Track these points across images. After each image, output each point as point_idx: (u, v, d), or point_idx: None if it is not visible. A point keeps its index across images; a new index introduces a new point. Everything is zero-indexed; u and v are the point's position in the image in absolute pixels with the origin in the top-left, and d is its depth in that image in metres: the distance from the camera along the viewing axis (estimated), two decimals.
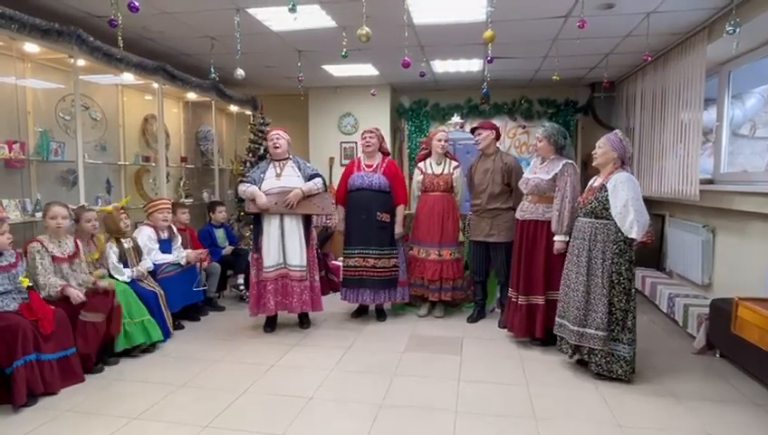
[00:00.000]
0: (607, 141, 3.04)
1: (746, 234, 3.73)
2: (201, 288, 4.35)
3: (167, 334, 3.75)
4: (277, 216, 3.83)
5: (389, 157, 4.36)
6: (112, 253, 3.66)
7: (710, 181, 4.33)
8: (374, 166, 4.21)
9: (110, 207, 3.86)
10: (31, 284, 2.99)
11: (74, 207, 3.56)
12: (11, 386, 2.65)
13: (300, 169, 3.92)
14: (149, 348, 3.55)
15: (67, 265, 3.21)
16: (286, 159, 3.96)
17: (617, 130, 3.11)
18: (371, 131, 4.24)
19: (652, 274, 5.03)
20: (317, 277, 4.01)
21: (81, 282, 3.22)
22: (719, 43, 3.86)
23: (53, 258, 3.14)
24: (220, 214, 5.08)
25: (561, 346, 3.23)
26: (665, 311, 4.31)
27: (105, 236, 3.76)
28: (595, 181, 3.12)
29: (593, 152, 3.13)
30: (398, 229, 4.24)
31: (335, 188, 4.77)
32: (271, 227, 3.84)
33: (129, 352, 3.43)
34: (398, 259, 4.24)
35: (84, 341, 3.10)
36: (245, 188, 3.86)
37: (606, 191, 2.95)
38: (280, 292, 3.87)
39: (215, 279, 4.66)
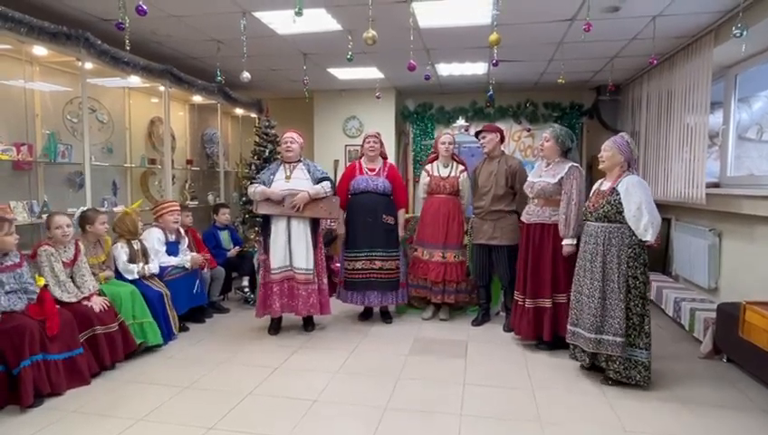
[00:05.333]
0: (613, 144, 3.00)
1: (753, 237, 3.71)
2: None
3: (170, 336, 3.76)
4: (284, 218, 3.84)
5: (389, 161, 4.39)
6: (123, 253, 3.69)
7: (716, 185, 4.30)
8: (377, 169, 4.23)
9: (129, 208, 3.89)
10: (47, 283, 3.02)
11: (86, 210, 3.59)
12: (18, 386, 2.67)
13: (309, 172, 3.92)
14: (152, 349, 3.57)
15: (69, 271, 3.25)
16: (297, 161, 3.98)
17: (623, 133, 3.08)
18: (375, 136, 4.26)
19: (658, 278, 5.00)
20: (325, 280, 4.00)
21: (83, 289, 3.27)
22: (726, 47, 3.85)
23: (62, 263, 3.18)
24: (223, 216, 5.09)
25: (576, 354, 3.18)
26: (671, 315, 4.28)
27: (113, 237, 3.79)
28: (602, 185, 3.08)
29: (599, 156, 3.10)
30: (401, 232, 4.28)
31: None
32: (278, 230, 3.84)
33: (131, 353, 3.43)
34: (400, 261, 4.25)
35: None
36: (254, 189, 3.87)
37: (618, 195, 2.90)
38: (285, 294, 3.87)
39: (218, 283, 4.67)
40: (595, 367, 3.10)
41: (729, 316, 3.13)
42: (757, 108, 4.28)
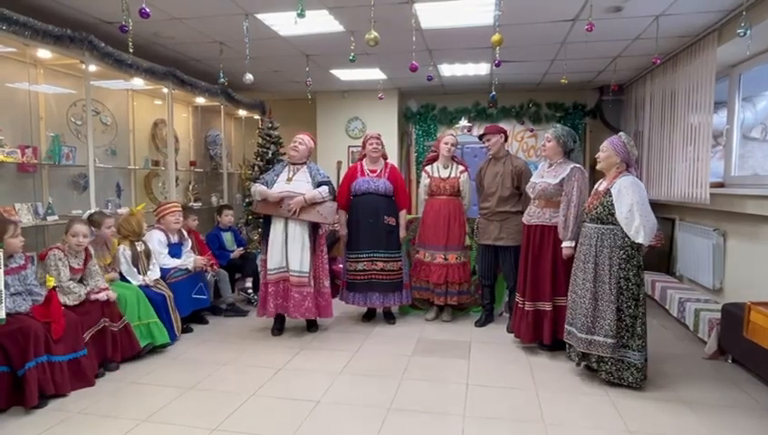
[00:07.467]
0: (610, 145, 2.99)
1: (758, 237, 3.69)
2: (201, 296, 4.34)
3: (173, 338, 3.76)
4: (282, 220, 3.85)
5: (390, 162, 4.39)
6: (126, 255, 3.70)
7: (721, 185, 4.29)
8: (378, 171, 4.22)
9: (135, 209, 3.92)
10: (56, 284, 3.03)
11: (93, 213, 3.60)
12: (23, 388, 2.68)
13: (311, 176, 3.92)
14: (156, 350, 3.58)
15: (79, 276, 3.28)
16: (302, 163, 3.98)
17: (621, 133, 3.07)
18: (377, 137, 4.26)
19: (662, 278, 4.98)
20: (326, 283, 3.99)
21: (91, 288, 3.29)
22: (729, 46, 3.84)
23: (70, 269, 3.20)
24: (226, 217, 5.10)
25: (570, 353, 3.20)
26: (675, 316, 4.26)
27: (117, 238, 3.80)
28: (600, 185, 3.08)
29: (597, 156, 3.10)
30: (403, 234, 4.28)
31: None
32: (276, 231, 3.86)
33: (135, 356, 3.45)
34: (402, 262, 4.25)
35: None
36: (255, 188, 3.90)
37: (611, 196, 2.90)
38: (280, 295, 3.88)
39: (226, 284, 4.68)
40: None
41: (734, 317, 3.12)
42: (761, 107, 4.26)
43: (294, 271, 3.83)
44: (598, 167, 3.11)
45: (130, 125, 4.96)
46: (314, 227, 3.94)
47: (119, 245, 3.74)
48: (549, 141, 3.49)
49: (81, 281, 3.27)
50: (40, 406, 2.73)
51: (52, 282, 2.98)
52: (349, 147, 7.12)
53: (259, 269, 4.15)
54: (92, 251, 3.41)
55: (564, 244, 3.33)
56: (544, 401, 2.83)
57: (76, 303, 3.13)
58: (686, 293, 4.37)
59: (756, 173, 4.10)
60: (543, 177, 3.52)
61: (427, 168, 4.41)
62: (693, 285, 4.67)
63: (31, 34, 3.36)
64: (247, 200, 5.77)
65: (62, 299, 3.08)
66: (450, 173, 4.29)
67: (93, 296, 3.20)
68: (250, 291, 4.99)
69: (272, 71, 5.66)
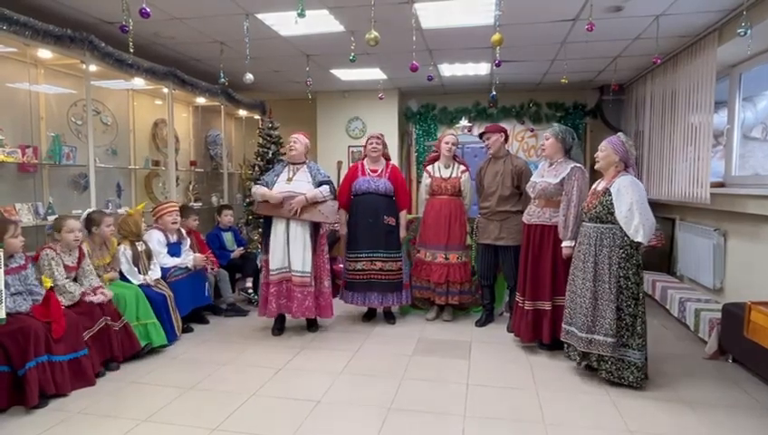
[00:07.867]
0: (609, 144, 3.01)
1: (759, 237, 3.69)
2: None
3: (173, 337, 3.77)
4: (283, 220, 3.85)
5: (391, 162, 4.39)
6: (126, 255, 3.70)
7: (721, 184, 4.29)
8: (379, 171, 4.23)
9: (133, 210, 3.92)
10: (53, 285, 3.03)
11: (92, 212, 3.61)
12: (24, 387, 2.68)
13: (311, 176, 3.93)
14: (156, 350, 3.58)
15: (74, 274, 3.27)
16: (302, 163, 3.99)
17: (620, 133, 3.08)
18: (377, 137, 4.26)
19: (663, 278, 4.98)
20: (327, 284, 3.99)
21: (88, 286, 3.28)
22: (729, 46, 3.83)
23: (65, 267, 3.19)
24: (226, 217, 5.10)
25: (569, 353, 3.21)
26: (675, 315, 4.26)
27: (118, 238, 3.80)
28: (598, 185, 3.09)
29: (595, 155, 3.10)
30: (403, 234, 4.28)
31: None
32: (277, 231, 3.86)
33: (135, 355, 3.44)
34: (402, 262, 4.25)
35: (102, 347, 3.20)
36: (256, 190, 3.91)
37: (610, 195, 2.91)
38: (283, 295, 3.89)
39: (226, 284, 4.68)
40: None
41: (734, 316, 3.12)
42: (762, 107, 4.26)
43: (297, 271, 3.83)
44: (596, 166, 3.11)
45: (131, 125, 4.96)
46: (315, 227, 3.94)
47: (119, 245, 3.74)
48: (548, 139, 3.50)
49: (75, 280, 3.27)
50: (40, 406, 2.73)
51: (48, 283, 2.98)
52: (349, 147, 7.12)
53: (259, 269, 4.15)
54: (86, 250, 3.41)
55: (564, 243, 3.34)
56: (544, 401, 2.83)
57: (71, 303, 3.10)
58: (687, 293, 4.36)
59: (757, 173, 4.10)
60: (544, 176, 3.52)
61: (429, 167, 4.41)
62: (693, 285, 4.67)
63: (31, 34, 3.36)
64: (247, 200, 5.77)
65: (57, 298, 3.07)
66: (451, 173, 4.29)
67: (88, 298, 3.19)
68: (250, 291, 4.99)
69: (272, 71, 5.66)
